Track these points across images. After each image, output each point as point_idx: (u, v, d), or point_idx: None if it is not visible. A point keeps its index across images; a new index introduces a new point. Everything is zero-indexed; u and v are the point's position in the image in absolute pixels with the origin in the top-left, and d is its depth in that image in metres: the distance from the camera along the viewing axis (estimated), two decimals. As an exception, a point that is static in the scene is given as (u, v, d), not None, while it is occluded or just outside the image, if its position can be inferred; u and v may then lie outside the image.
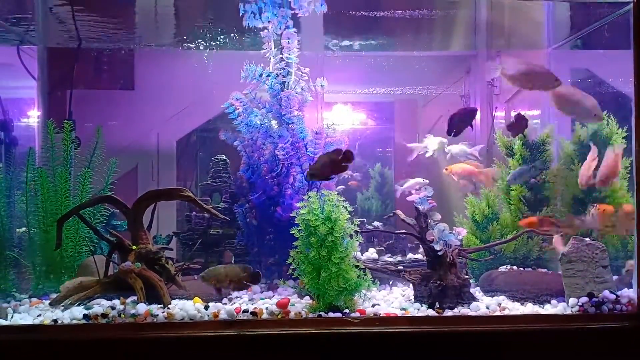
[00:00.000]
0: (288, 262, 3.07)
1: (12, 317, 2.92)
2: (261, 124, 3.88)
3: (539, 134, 4.02)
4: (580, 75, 4.91)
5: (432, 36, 5.11)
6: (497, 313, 3.03)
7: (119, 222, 3.90)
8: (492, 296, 3.39)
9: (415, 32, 4.93)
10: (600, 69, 4.77)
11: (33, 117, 4.62)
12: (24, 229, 3.61)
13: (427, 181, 3.62)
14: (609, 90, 4.74)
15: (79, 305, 3.00)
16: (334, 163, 3.12)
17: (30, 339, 2.71)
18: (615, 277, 3.33)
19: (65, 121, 3.63)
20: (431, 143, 3.89)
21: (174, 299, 3.08)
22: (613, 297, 3.00)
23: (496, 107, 5.01)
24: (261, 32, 3.85)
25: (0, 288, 3.42)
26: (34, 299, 3.31)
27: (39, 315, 2.94)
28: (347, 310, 2.95)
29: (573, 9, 4.71)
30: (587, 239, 3.25)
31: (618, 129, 4.00)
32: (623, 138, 3.98)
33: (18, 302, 3.28)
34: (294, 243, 3.05)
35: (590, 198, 3.97)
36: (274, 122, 3.90)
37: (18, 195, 3.60)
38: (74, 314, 2.85)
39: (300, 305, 3.04)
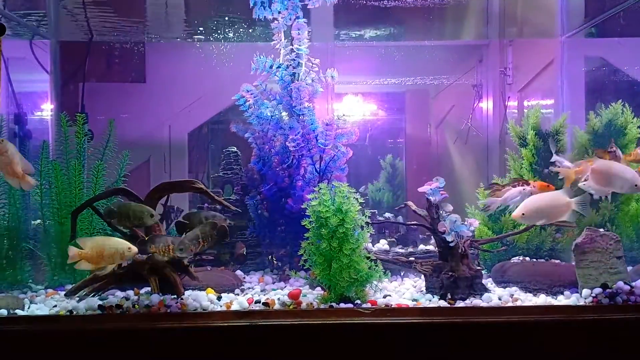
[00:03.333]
0: (299, 253, 3.09)
1: (28, 308, 2.97)
2: (272, 116, 3.88)
3: (553, 124, 3.97)
4: (595, 64, 4.84)
5: (444, 25, 5.06)
6: (510, 304, 3.02)
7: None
8: (505, 287, 3.37)
9: (427, 21, 4.89)
10: (615, 57, 4.71)
11: (46, 110, 4.67)
12: (39, 221, 3.66)
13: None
14: (623, 78, 4.67)
15: (93, 296, 3.04)
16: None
17: (46, 329, 2.76)
18: (629, 268, 3.30)
19: (78, 114, 3.66)
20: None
21: (187, 289, 3.11)
22: (627, 288, 2.97)
23: (509, 97, 4.97)
24: (271, 24, 3.84)
25: (17, 279, 3.47)
26: (50, 290, 3.36)
27: (55, 306, 2.99)
28: (358, 301, 2.95)
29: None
30: (602, 230, 3.21)
31: (633, 118, 3.94)
32: (638, 127, 3.93)
33: (34, 293, 3.33)
34: (305, 234, 3.06)
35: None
36: (284, 113, 3.90)
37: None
38: (89, 304, 2.89)
39: (311, 296, 3.06)
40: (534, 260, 3.73)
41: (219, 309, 2.91)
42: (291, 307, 2.92)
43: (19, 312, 2.89)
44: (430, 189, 3.29)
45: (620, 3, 4.32)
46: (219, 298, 3.03)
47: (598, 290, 2.99)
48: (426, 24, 4.93)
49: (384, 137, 5.51)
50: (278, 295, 3.10)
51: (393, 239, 4.06)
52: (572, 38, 4.73)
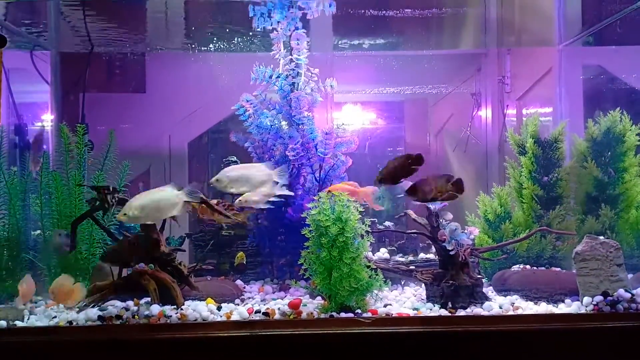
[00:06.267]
0: (299, 262, 3.08)
1: (28, 319, 2.96)
2: (271, 125, 3.89)
3: (551, 132, 3.98)
4: (593, 72, 4.86)
5: (442, 34, 5.09)
6: (511, 313, 3.01)
7: (132, 224, 3.93)
8: (505, 296, 3.36)
9: (425, 30, 4.92)
10: (613, 65, 4.73)
11: (47, 120, 4.68)
12: (39, 231, 3.66)
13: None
14: (621, 86, 4.69)
15: (93, 307, 3.03)
16: (404, 167, 3.06)
17: (45, 340, 2.74)
18: (630, 276, 3.29)
19: (78, 124, 3.67)
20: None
21: (187, 300, 3.10)
22: (628, 295, 2.96)
23: (507, 105, 4.98)
24: (271, 34, 3.86)
25: (17, 290, 3.46)
26: (50, 301, 3.35)
27: (55, 317, 2.98)
28: (359, 311, 2.94)
29: (584, 5, 4.68)
30: (601, 237, 3.21)
31: (632, 125, 3.96)
32: (637, 134, 3.94)
33: (34, 304, 3.32)
34: (305, 243, 3.06)
35: (604, 196, 3.94)
36: (284, 123, 3.91)
37: (33, 198, 3.64)
38: (88, 315, 2.88)
39: (312, 306, 3.04)
40: (535, 268, 3.72)
41: (219, 319, 2.90)
42: (291, 316, 2.91)
43: (19, 323, 2.88)
44: (430, 197, 3.29)
45: (618, 11, 4.35)
46: (219, 308, 3.02)
47: (599, 298, 2.98)
48: (425, 34, 4.96)
49: (384, 145, 5.52)
50: (278, 305, 3.09)
51: (393, 248, 4.05)
52: (569, 46, 4.75)
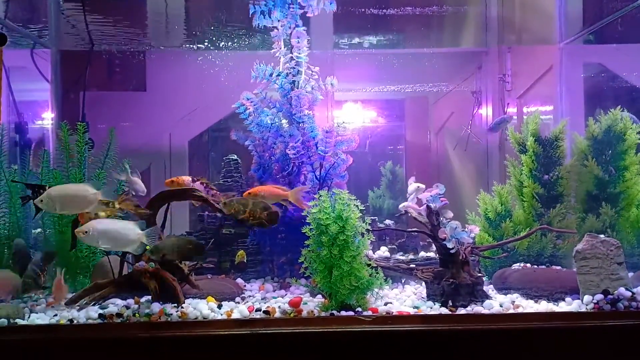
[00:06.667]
0: (300, 260, 3.08)
1: (29, 317, 2.96)
2: (272, 124, 3.89)
3: (552, 130, 3.98)
4: (593, 70, 4.86)
5: (443, 33, 5.09)
6: (511, 311, 3.01)
7: (133, 223, 3.93)
8: (506, 294, 3.36)
9: (426, 28, 4.92)
10: (614, 63, 4.73)
11: (47, 119, 4.68)
12: (39, 230, 3.66)
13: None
14: (622, 84, 4.69)
15: (94, 305, 3.03)
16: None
17: (46, 339, 2.75)
18: (630, 274, 3.29)
19: (79, 123, 3.67)
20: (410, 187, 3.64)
21: (188, 298, 3.10)
22: (629, 294, 2.96)
23: (508, 103, 4.98)
24: (271, 32, 3.86)
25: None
26: (51, 299, 3.35)
27: (55, 315, 2.98)
28: (359, 309, 2.95)
29: (585, 3, 4.68)
30: (602, 236, 3.21)
31: (632, 123, 3.95)
32: (638, 133, 3.94)
33: (34, 302, 3.33)
34: (305, 242, 3.06)
35: (605, 194, 3.94)
36: (284, 121, 3.91)
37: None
38: (89, 313, 2.89)
39: (312, 304, 3.05)
40: (535, 266, 3.72)
41: (219, 317, 2.90)
42: (292, 315, 2.91)
43: (20, 321, 2.88)
44: (431, 195, 3.29)
45: (619, 9, 4.34)
46: (220, 306, 3.02)
47: (599, 296, 2.98)
48: (425, 32, 4.96)
49: (384, 144, 5.52)
50: (279, 303, 3.10)
51: (394, 246, 4.05)
52: (570, 44, 4.75)
